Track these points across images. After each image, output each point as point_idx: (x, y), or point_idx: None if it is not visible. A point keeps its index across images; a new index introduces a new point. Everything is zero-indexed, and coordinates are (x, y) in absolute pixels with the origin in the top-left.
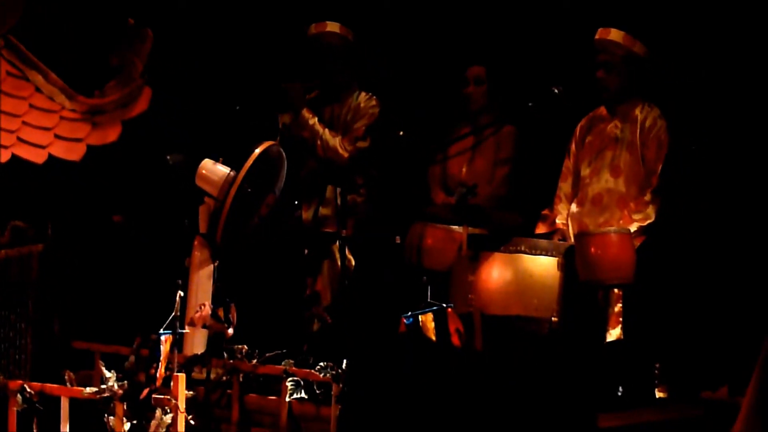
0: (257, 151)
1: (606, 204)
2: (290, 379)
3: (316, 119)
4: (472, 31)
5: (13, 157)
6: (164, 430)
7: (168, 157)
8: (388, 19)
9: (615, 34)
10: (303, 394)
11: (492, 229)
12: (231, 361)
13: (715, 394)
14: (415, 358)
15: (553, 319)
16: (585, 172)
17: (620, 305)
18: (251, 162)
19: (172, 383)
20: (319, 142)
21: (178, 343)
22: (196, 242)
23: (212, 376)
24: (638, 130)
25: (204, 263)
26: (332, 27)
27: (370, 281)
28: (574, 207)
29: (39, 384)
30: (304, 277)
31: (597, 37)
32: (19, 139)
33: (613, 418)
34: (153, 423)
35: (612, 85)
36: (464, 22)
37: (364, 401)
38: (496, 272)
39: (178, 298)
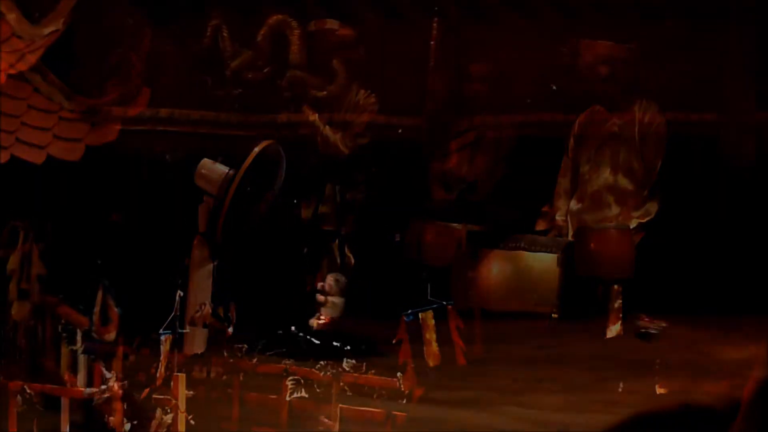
0: (256, 149)
1: (605, 200)
2: (290, 377)
3: (317, 116)
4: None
5: (12, 157)
6: (165, 430)
7: (167, 156)
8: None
9: (602, 48)
10: (303, 393)
11: (491, 226)
12: (231, 359)
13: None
14: None
15: (552, 315)
16: (584, 168)
17: (620, 301)
18: (250, 160)
19: (172, 383)
20: (319, 139)
21: (178, 342)
22: (195, 241)
23: (212, 375)
24: (637, 126)
25: (203, 262)
26: (332, 24)
27: (370, 278)
28: (573, 203)
29: (39, 384)
30: (304, 276)
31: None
32: (18, 140)
33: None
34: (153, 423)
35: (616, 93)
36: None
37: None
38: (495, 268)
39: (177, 298)
